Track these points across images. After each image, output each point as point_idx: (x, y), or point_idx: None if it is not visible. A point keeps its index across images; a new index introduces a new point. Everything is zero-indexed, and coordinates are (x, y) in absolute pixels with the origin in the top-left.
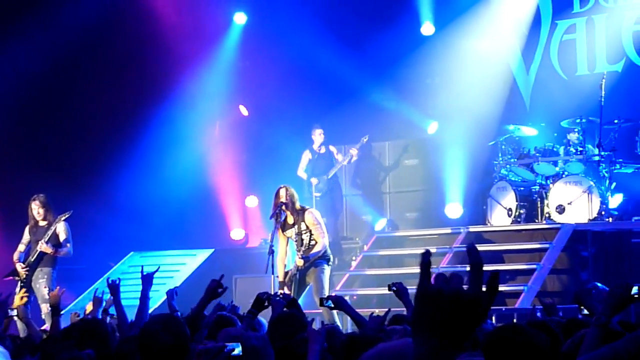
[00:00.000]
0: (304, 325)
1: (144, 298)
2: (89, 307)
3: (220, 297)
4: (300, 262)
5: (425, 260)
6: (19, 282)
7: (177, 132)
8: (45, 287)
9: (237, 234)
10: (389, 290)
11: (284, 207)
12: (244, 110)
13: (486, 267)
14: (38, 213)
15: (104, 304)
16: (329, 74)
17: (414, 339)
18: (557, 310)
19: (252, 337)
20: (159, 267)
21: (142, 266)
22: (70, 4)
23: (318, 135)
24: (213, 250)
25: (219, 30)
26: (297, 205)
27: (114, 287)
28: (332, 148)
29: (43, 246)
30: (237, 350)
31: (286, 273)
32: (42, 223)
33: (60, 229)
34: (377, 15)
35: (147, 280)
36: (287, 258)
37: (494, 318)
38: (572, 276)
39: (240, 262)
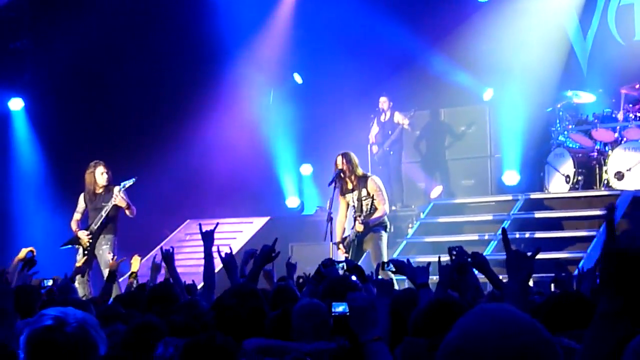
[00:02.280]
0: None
1: (209, 257)
2: (134, 262)
3: (273, 261)
4: (360, 227)
5: (610, 216)
6: (81, 250)
7: (232, 101)
8: (109, 253)
9: (292, 201)
10: (449, 254)
11: (342, 175)
12: (298, 79)
13: (545, 234)
14: (104, 177)
15: (162, 270)
16: (384, 43)
17: (600, 298)
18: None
19: (358, 297)
20: (217, 224)
21: (200, 224)
22: None
23: (382, 104)
24: (269, 218)
25: None
26: (359, 171)
27: (168, 256)
28: (397, 115)
29: (118, 199)
30: (342, 309)
31: (344, 239)
32: (99, 190)
33: (122, 193)
34: None
35: (208, 237)
36: (346, 222)
37: (552, 285)
38: (632, 243)
39: (296, 230)
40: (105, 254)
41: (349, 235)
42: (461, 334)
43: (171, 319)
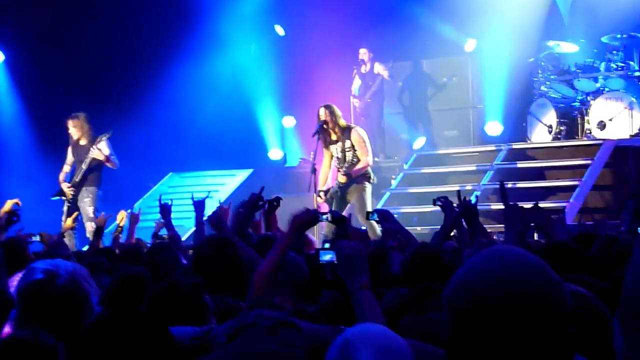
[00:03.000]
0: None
1: (200, 225)
2: (120, 217)
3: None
4: (343, 179)
5: None
6: (65, 202)
7: (213, 53)
8: (90, 206)
9: (275, 153)
10: (434, 205)
11: (325, 126)
12: (280, 31)
13: (528, 184)
14: (74, 131)
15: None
16: None
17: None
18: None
19: (345, 246)
20: (209, 193)
21: (192, 193)
22: None
23: (362, 55)
24: (252, 170)
25: None
26: (342, 122)
27: (166, 209)
28: (377, 66)
29: (95, 152)
30: (329, 257)
31: (327, 190)
32: (83, 142)
33: (102, 146)
34: None
35: (200, 206)
36: (329, 173)
37: (535, 234)
38: (614, 192)
39: (279, 182)
40: (87, 207)
41: (333, 186)
42: (470, 270)
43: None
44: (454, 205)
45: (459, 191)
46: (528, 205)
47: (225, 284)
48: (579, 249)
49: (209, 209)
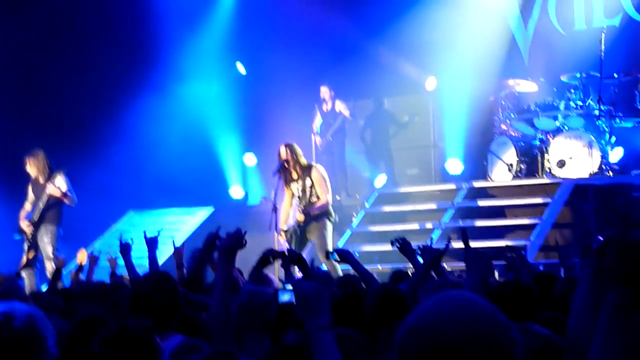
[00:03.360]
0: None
1: (153, 261)
2: (80, 256)
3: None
4: (301, 217)
5: (624, 209)
6: (26, 240)
7: (175, 90)
8: (49, 245)
9: (236, 191)
10: (392, 245)
11: (285, 165)
12: (241, 69)
13: (489, 222)
14: (31, 169)
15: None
16: (327, 31)
17: (609, 292)
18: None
19: (304, 286)
20: (160, 231)
21: (145, 231)
22: None
23: (324, 93)
24: (213, 208)
25: None
26: (303, 161)
27: (126, 249)
28: (339, 104)
29: (51, 188)
30: (288, 298)
31: (287, 231)
32: (41, 180)
33: (60, 182)
34: None
35: (152, 243)
36: (290, 211)
37: (496, 273)
38: (574, 230)
39: (240, 220)
40: (46, 246)
41: (292, 225)
42: (420, 315)
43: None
44: (412, 246)
45: (392, 240)
46: (492, 244)
47: (165, 319)
48: (533, 288)
49: (164, 247)
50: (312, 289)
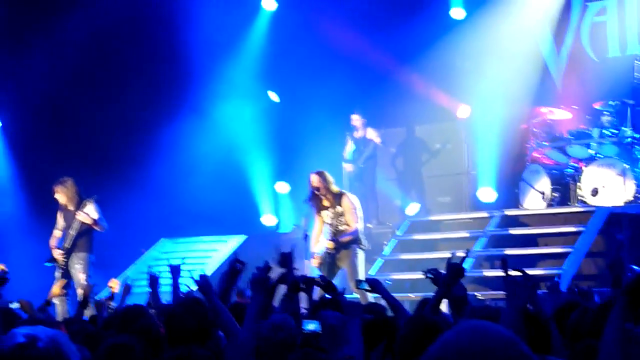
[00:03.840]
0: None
1: (176, 288)
2: (112, 284)
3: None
4: (331, 245)
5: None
6: (58, 268)
7: (207, 118)
8: (81, 273)
9: (268, 219)
10: (425, 277)
11: (316, 193)
12: (274, 97)
13: (521, 251)
14: (60, 197)
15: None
16: (360, 59)
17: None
18: (593, 295)
19: (330, 316)
20: (184, 259)
21: (169, 259)
22: None
23: (355, 121)
24: (245, 236)
25: (248, 17)
26: (334, 189)
27: (154, 280)
28: (370, 132)
29: (82, 216)
30: (314, 327)
31: (319, 255)
32: (71, 208)
33: (90, 210)
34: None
35: (176, 271)
36: (321, 236)
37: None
38: (608, 260)
39: (272, 248)
40: (78, 274)
41: (322, 253)
42: (442, 345)
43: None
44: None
45: (423, 271)
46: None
47: (198, 342)
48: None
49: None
50: (338, 318)
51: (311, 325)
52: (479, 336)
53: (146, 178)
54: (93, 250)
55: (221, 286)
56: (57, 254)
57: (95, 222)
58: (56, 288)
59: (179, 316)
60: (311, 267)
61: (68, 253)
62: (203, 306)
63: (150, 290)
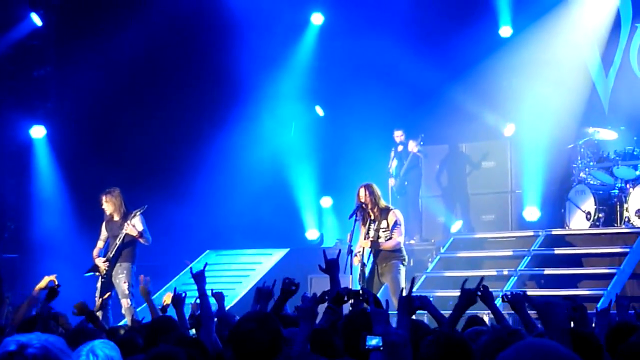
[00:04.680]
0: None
1: (202, 296)
2: (167, 297)
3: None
4: (367, 243)
5: None
6: (100, 278)
7: (253, 131)
8: (125, 282)
9: (312, 234)
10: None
11: (363, 207)
12: (320, 111)
13: (565, 271)
14: (107, 206)
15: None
16: (406, 75)
17: None
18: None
19: (392, 332)
20: (206, 264)
21: (191, 267)
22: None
23: (399, 137)
24: (288, 249)
25: (296, 31)
26: (382, 203)
27: (179, 301)
28: (410, 144)
29: (129, 228)
30: (376, 342)
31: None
32: (117, 218)
33: (136, 222)
34: (455, 16)
35: (199, 278)
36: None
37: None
38: None
39: (315, 262)
40: (121, 284)
41: (364, 261)
42: None
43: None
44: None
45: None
46: (568, 292)
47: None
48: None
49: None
50: (400, 336)
51: (373, 341)
52: (541, 354)
53: (192, 190)
54: (136, 261)
55: (275, 304)
56: (101, 262)
57: (140, 234)
58: (100, 299)
59: (250, 332)
60: (354, 282)
61: (112, 263)
62: (275, 320)
63: (175, 308)
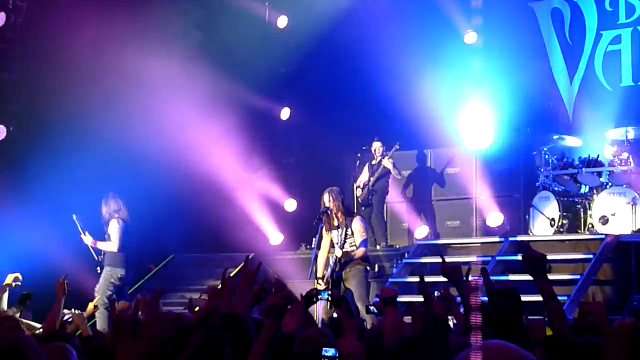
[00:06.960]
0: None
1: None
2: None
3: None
4: (339, 252)
5: None
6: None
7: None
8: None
9: (275, 237)
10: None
11: (328, 212)
12: (285, 114)
13: (529, 277)
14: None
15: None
16: (373, 81)
17: None
18: None
19: (348, 344)
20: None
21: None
22: None
23: (376, 149)
24: (252, 254)
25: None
26: (345, 209)
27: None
28: (386, 162)
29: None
30: (331, 353)
31: (324, 276)
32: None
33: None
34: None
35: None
36: (328, 259)
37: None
38: (615, 288)
39: (279, 267)
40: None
41: (330, 268)
42: None
43: None
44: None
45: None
46: (533, 298)
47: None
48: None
49: None
50: (355, 346)
51: (329, 352)
52: (497, 356)
53: (149, 192)
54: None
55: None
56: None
57: (94, 241)
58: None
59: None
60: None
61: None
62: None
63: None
